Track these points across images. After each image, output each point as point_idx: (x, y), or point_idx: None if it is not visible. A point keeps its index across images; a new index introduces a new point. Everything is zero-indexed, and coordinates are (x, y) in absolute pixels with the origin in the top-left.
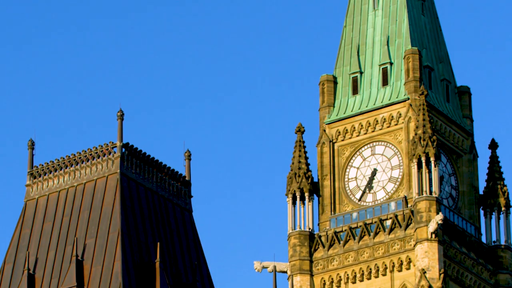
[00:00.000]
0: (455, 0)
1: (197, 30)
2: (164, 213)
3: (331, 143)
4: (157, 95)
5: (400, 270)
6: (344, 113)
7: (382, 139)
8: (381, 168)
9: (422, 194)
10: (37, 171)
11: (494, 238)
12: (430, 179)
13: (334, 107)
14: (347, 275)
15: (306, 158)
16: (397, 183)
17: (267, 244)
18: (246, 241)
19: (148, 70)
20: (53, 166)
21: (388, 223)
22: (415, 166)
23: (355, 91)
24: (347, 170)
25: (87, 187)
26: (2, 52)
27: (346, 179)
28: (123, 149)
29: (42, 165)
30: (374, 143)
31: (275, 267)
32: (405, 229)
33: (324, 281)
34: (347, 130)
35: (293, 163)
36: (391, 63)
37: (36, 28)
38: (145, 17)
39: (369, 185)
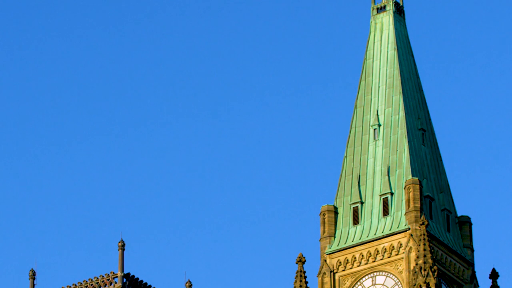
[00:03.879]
0: (456, 130)
1: (193, 145)
2: None
3: (332, 273)
4: (158, 225)
5: None
6: (345, 243)
7: (383, 269)
8: None
9: None
10: None
11: None
12: None
13: (335, 237)
14: None
15: None
16: None
17: None
18: None
19: (149, 199)
20: None
21: None
22: None
23: (355, 221)
24: None
25: None
26: (2, 182)
27: None
28: (124, 279)
29: None
30: (375, 273)
31: None
32: None
33: None
34: (348, 260)
35: None
36: (391, 193)
37: (37, 154)
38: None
39: None
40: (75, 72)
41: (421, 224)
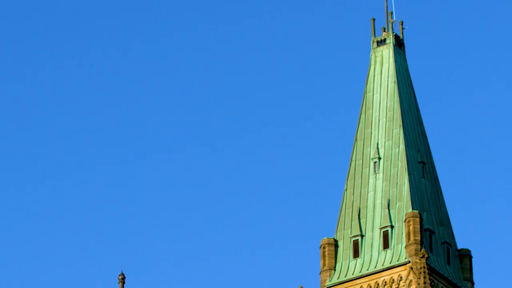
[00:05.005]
0: (456, 163)
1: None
2: None
3: None
4: (158, 258)
5: None
6: (345, 276)
7: None
8: None
9: None
10: None
11: None
12: None
13: (335, 270)
14: None
15: None
16: None
17: None
18: None
19: (149, 233)
20: None
21: None
22: None
23: (356, 254)
24: None
25: None
26: (2, 217)
27: None
28: None
29: None
30: None
31: None
32: None
33: None
34: None
35: None
36: (392, 226)
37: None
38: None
39: None
40: (71, 106)
41: (421, 257)
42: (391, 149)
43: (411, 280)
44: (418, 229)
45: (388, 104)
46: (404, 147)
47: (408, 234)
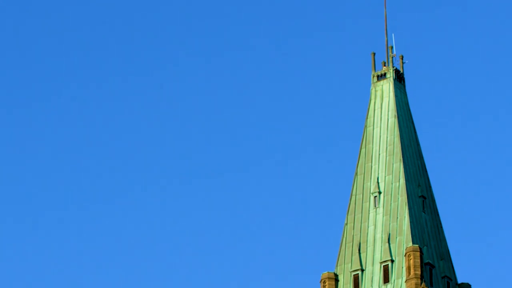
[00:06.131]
0: (456, 197)
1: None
2: None
3: None
4: None
5: None
6: None
7: None
8: None
9: None
10: None
11: None
12: None
13: None
14: None
15: None
16: None
17: None
18: None
19: (152, 261)
20: None
21: None
22: None
23: None
24: None
25: None
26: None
27: None
28: None
29: None
30: None
31: None
32: None
33: None
34: None
35: None
36: (392, 261)
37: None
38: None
39: None
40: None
41: None
42: (391, 183)
43: None
44: (419, 263)
45: (388, 138)
46: (404, 181)
47: (409, 268)
